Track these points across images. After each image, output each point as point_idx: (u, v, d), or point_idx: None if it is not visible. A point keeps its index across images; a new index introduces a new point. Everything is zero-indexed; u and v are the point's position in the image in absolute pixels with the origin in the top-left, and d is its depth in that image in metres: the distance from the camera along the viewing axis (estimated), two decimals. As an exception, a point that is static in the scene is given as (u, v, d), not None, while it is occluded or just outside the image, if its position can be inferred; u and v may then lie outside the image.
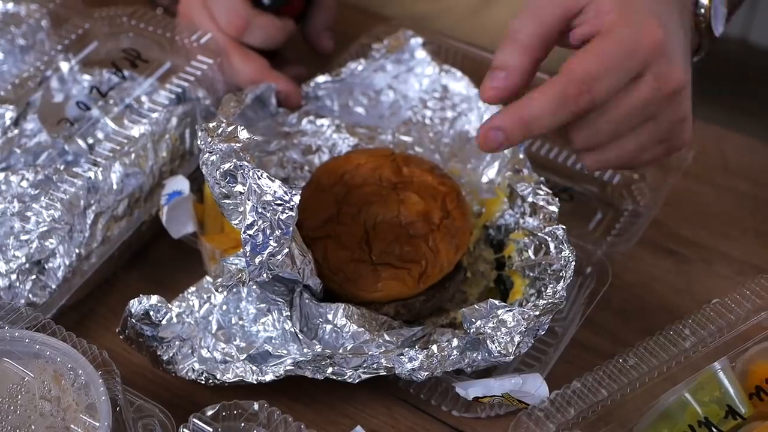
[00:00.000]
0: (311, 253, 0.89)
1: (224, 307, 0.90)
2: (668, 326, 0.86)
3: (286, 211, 0.82)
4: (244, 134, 0.86)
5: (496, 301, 0.86)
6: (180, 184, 0.97)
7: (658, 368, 0.84)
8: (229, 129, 0.86)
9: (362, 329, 0.87)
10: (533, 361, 0.92)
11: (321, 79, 1.08)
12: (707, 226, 1.09)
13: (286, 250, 0.83)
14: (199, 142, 0.89)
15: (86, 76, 1.05)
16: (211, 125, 0.88)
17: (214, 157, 0.86)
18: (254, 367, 0.88)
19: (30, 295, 0.92)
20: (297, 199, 0.81)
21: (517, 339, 0.85)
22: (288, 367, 0.87)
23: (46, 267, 0.92)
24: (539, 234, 0.92)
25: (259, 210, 0.82)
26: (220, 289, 0.88)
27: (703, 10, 0.93)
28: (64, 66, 1.05)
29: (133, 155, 0.97)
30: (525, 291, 0.93)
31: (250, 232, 0.82)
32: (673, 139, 0.90)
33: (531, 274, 0.92)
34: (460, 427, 0.92)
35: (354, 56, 1.14)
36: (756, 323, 0.88)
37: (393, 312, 0.91)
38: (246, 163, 0.83)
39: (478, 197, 1.01)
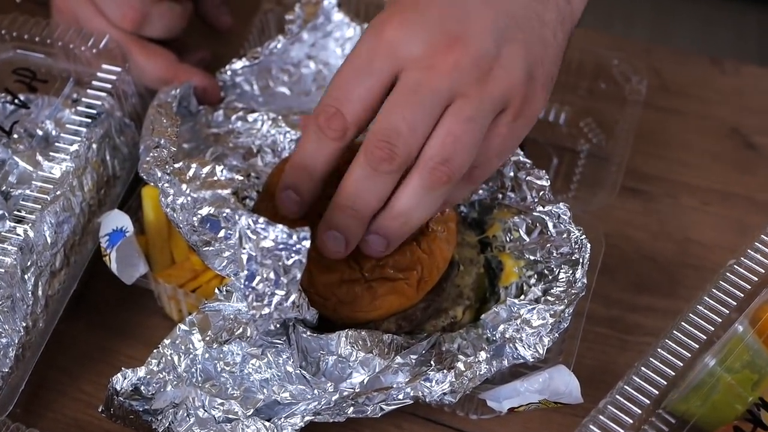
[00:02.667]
0: None
1: (206, 355, 0.80)
2: (691, 303, 0.82)
3: (293, 255, 0.71)
4: (224, 174, 0.75)
5: (515, 300, 0.80)
6: (119, 219, 0.85)
7: (692, 348, 0.80)
8: (204, 171, 0.75)
9: (370, 355, 0.79)
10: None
11: (238, 64, 0.96)
12: (663, 156, 1.05)
13: (295, 294, 0.73)
14: (161, 185, 0.77)
15: (-24, 110, 0.90)
16: (177, 166, 0.76)
17: (184, 200, 0.75)
18: (267, 423, 0.79)
19: (-17, 386, 0.80)
20: (307, 243, 0.71)
21: (546, 339, 0.79)
22: (307, 418, 0.78)
23: (-7, 350, 0.80)
24: (534, 213, 0.85)
25: (259, 259, 0.71)
26: (215, 346, 0.79)
27: None
28: (-56, 101, 0.90)
29: (61, 200, 0.84)
30: (521, 273, 0.87)
31: (253, 284, 0.72)
32: (509, 100, 0.76)
33: (531, 257, 0.86)
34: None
35: (260, 28, 1.03)
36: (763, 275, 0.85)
37: (394, 327, 0.83)
38: (240, 211, 0.72)
39: (442, 174, 0.93)
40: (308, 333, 0.79)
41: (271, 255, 0.71)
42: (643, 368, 0.78)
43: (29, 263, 0.82)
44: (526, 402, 0.81)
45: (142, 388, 0.78)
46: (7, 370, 0.81)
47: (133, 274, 0.86)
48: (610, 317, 0.93)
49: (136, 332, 0.91)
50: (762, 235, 0.85)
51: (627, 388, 0.77)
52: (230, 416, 0.79)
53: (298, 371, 0.79)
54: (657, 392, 0.76)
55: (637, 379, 0.77)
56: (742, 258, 0.84)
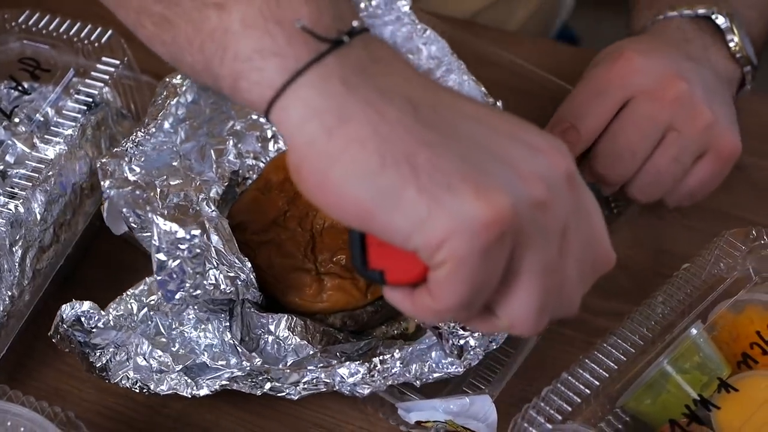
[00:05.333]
0: (256, 258, 0.85)
1: (166, 311, 0.86)
2: (643, 301, 0.85)
3: (193, 249, 0.77)
4: (132, 174, 0.82)
5: None
6: None
7: (638, 344, 0.83)
8: (119, 168, 0.83)
9: (305, 342, 0.84)
10: (490, 372, 0.88)
11: None
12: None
13: (209, 280, 0.79)
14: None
15: (-19, 93, 0.95)
16: (103, 161, 0.84)
17: (112, 192, 0.82)
18: (189, 380, 0.84)
19: (-34, 351, 0.85)
20: (196, 240, 0.78)
21: (473, 342, 0.81)
22: (223, 382, 0.83)
23: (-23, 316, 0.85)
24: None
25: (166, 249, 0.77)
26: (151, 312, 0.85)
27: (734, 44, 0.96)
28: (-49, 83, 0.96)
29: (52, 180, 0.89)
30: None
31: (161, 274, 0.78)
32: (713, 145, 0.89)
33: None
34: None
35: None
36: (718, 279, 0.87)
37: (339, 323, 0.87)
38: (146, 209, 0.80)
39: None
40: (251, 309, 0.84)
41: (174, 247, 0.77)
42: (587, 360, 0.81)
43: (18, 237, 0.87)
44: (433, 418, 0.83)
45: (83, 320, 0.84)
46: (-10, 336, 0.86)
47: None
48: (577, 320, 0.95)
49: (121, 311, 0.95)
50: (716, 241, 0.87)
51: (569, 378, 0.80)
52: (162, 368, 0.84)
53: (232, 342, 0.84)
54: (598, 383, 0.79)
55: (580, 370, 0.80)
56: (696, 261, 0.86)
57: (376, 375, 0.82)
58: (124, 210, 0.81)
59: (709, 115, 0.88)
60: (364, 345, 0.85)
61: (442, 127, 0.61)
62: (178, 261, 0.77)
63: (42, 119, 0.93)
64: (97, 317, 0.84)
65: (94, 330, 0.84)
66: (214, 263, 0.80)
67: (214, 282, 0.79)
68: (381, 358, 0.82)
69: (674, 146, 0.89)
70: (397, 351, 0.82)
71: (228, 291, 0.80)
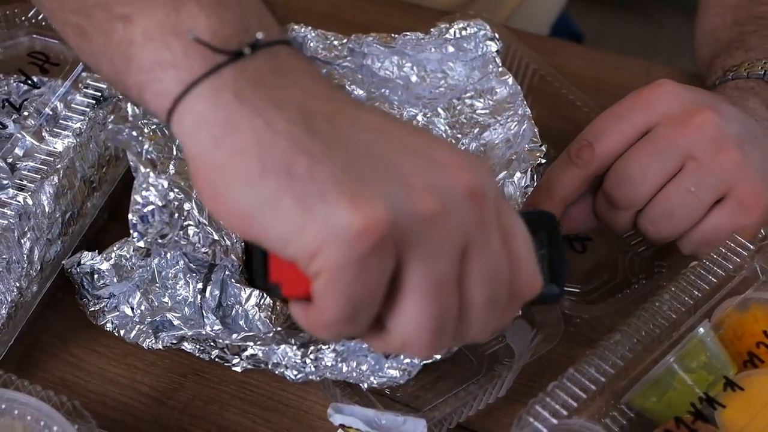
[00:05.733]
0: None
1: (162, 262, 0.88)
2: (650, 298, 0.85)
3: (163, 198, 0.79)
4: (132, 114, 0.84)
5: None
6: None
7: (644, 341, 0.83)
8: (125, 106, 0.85)
9: (267, 320, 0.85)
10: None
11: (369, 37, 0.97)
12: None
13: (185, 234, 0.81)
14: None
15: (-9, 87, 0.96)
16: (120, 97, 0.88)
17: (110, 126, 0.85)
18: (151, 332, 0.87)
19: (-26, 341, 0.85)
20: (163, 187, 0.79)
21: (417, 360, 0.82)
22: (173, 340, 0.86)
23: (-14, 307, 0.86)
24: None
25: (142, 193, 0.79)
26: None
27: None
28: (-39, 78, 0.97)
29: (61, 173, 0.90)
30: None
31: (134, 216, 0.80)
32: (735, 189, 0.85)
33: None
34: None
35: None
36: (726, 278, 0.87)
37: None
38: (129, 154, 0.81)
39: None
40: (228, 276, 0.86)
41: (149, 193, 0.79)
42: (593, 356, 0.81)
43: (26, 229, 0.87)
44: (355, 425, 0.82)
45: (96, 276, 0.87)
46: (-2, 326, 0.86)
47: None
48: (584, 317, 0.96)
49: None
50: (726, 241, 0.87)
51: (575, 374, 0.80)
52: (138, 319, 0.88)
53: (199, 304, 0.86)
54: (604, 380, 0.79)
55: (586, 366, 0.80)
56: (704, 259, 0.86)
57: (308, 362, 0.82)
58: (123, 149, 0.83)
59: (737, 153, 0.84)
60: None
61: (333, 138, 0.60)
62: (150, 207, 0.79)
63: (51, 113, 0.93)
64: (107, 280, 0.87)
65: (101, 288, 0.87)
66: (196, 221, 0.82)
67: (189, 238, 0.82)
68: (318, 346, 0.82)
69: (692, 176, 0.85)
70: (333, 345, 0.82)
71: (203, 251, 0.82)
